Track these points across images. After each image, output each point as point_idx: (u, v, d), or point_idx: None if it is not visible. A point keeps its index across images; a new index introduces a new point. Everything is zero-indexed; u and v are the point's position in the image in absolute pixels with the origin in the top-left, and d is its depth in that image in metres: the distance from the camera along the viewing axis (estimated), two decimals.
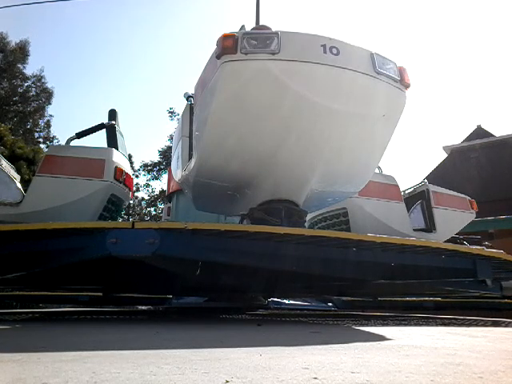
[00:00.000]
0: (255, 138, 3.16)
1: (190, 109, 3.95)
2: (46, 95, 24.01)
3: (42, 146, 21.10)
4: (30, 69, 26.88)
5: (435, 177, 15.14)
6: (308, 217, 4.27)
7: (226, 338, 2.36)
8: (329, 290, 5.42)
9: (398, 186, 4.78)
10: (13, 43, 22.97)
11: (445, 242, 4.51)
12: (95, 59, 41.93)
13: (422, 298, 6.50)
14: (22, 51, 23.02)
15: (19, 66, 23.28)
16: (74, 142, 4.08)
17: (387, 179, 4.73)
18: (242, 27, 3.32)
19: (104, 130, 4.37)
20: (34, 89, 23.98)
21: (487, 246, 4.75)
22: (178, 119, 5.36)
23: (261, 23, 8.77)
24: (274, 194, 3.41)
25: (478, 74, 45.27)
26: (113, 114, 4.52)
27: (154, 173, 24.80)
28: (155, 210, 25.36)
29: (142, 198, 26.34)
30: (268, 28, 3.19)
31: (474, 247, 4.12)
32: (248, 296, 5.44)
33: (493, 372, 1.37)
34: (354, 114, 3.13)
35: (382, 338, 2.46)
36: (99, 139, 5.29)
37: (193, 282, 3.98)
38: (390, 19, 44.51)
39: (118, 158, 4.08)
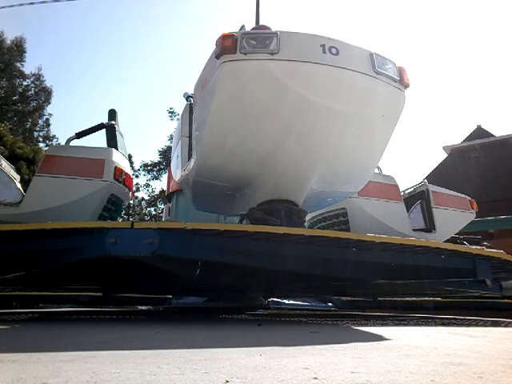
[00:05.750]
0: (255, 137, 3.16)
1: (190, 109, 3.95)
2: (45, 94, 23.94)
3: (41, 145, 21.14)
4: (28, 67, 26.74)
5: (435, 177, 15.11)
6: (308, 217, 4.28)
7: (225, 338, 2.36)
8: (329, 290, 5.42)
9: (397, 186, 4.78)
10: (8, 41, 22.79)
11: (445, 241, 4.51)
12: (95, 58, 41.97)
13: (421, 298, 6.49)
14: (18, 49, 22.85)
15: (17, 64, 23.19)
16: (74, 142, 4.08)
17: (387, 179, 4.73)
18: (242, 27, 3.33)
19: (104, 130, 4.37)
20: (32, 88, 23.93)
21: (486, 246, 4.75)
22: (178, 119, 5.36)
23: (261, 23, 8.78)
24: (273, 194, 3.41)
25: (478, 74, 45.33)
26: (112, 114, 4.52)
27: (154, 173, 24.82)
28: (155, 210, 25.35)
29: (142, 198, 26.34)
30: (268, 28, 3.18)
31: (474, 247, 4.12)
32: (248, 296, 5.44)
33: (493, 372, 1.37)
34: (353, 114, 3.13)
35: (381, 338, 2.46)
36: (99, 139, 5.30)
37: (193, 282, 3.97)
38: (390, 19, 44.55)
39: (118, 158, 4.09)
